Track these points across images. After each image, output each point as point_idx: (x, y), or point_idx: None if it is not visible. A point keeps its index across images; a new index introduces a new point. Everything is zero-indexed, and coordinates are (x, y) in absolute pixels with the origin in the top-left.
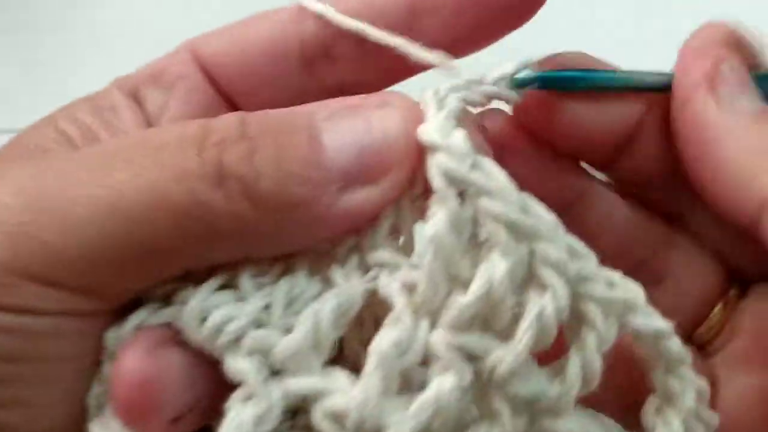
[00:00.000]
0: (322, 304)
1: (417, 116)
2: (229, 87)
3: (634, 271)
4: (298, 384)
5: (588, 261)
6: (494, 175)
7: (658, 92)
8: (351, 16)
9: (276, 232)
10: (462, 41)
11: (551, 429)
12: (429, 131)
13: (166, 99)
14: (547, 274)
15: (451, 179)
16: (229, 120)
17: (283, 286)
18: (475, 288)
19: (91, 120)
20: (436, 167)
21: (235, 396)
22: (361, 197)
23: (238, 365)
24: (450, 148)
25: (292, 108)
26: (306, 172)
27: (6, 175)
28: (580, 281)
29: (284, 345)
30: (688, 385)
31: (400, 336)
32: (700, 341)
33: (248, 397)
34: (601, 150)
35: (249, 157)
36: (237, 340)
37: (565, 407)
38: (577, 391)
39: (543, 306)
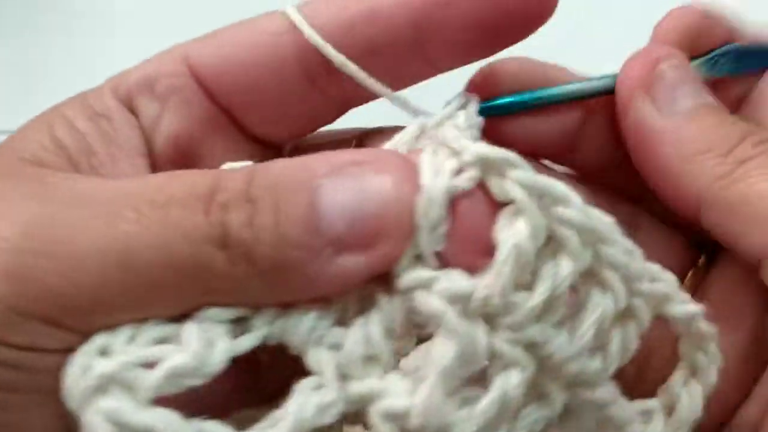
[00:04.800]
0: (369, 324)
1: (412, 180)
2: (227, 101)
3: None
4: (360, 385)
5: (638, 258)
6: (558, 183)
7: (603, 95)
8: (354, 31)
9: (270, 291)
10: (470, 54)
11: (588, 398)
12: (484, 150)
13: (160, 111)
14: (611, 276)
15: (532, 189)
16: (238, 178)
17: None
18: (543, 290)
19: (86, 128)
20: (515, 179)
21: (306, 383)
22: (352, 263)
23: (319, 356)
24: (519, 161)
25: (298, 160)
26: (301, 237)
27: (10, 210)
28: (633, 280)
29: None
30: (713, 360)
31: (461, 349)
32: None
33: (318, 387)
34: (547, 152)
35: (250, 220)
36: (320, 338)
37: (603, 379)
38: (615, 366)
39: (606, 306)
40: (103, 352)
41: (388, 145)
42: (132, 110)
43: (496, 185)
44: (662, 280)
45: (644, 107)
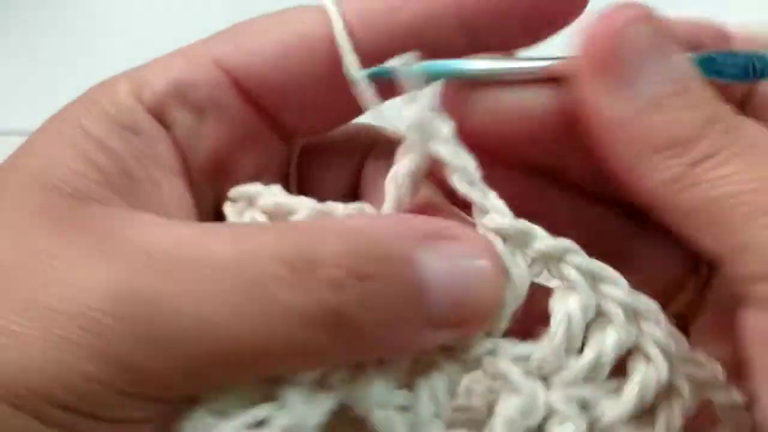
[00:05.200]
0: (437, 384)
1: (502, 269)
2: (272, 104)
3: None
4: None
5: (681, 344)
6: (609, 268)
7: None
8: (404, 25)
9: (353, 356)
10: (516, 41)
11: None
12: (550, 246)
13: (198, 123)
14: (653, 351)
15: (586, 272)
16: (335, 247)
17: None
18: (591, 354)
19: (121, 147)
20: (572, 264)
21: None
22: (441, 337)
23: (391, 419)
24: (575, 247)
25: (393, 223)
26: (411, 316)
27: (79, 274)
28: (676, 359)
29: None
30: None
31: (524, 402)
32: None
33: None
34: (527, 144)
35: (364, 300)
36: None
37: None
38: None
39: (649, 373)
40: (220, 413)
41: (389, 184)
42: (162, 122)
43: (555, 268)
44: (705, 368)
45: (596, 92)
